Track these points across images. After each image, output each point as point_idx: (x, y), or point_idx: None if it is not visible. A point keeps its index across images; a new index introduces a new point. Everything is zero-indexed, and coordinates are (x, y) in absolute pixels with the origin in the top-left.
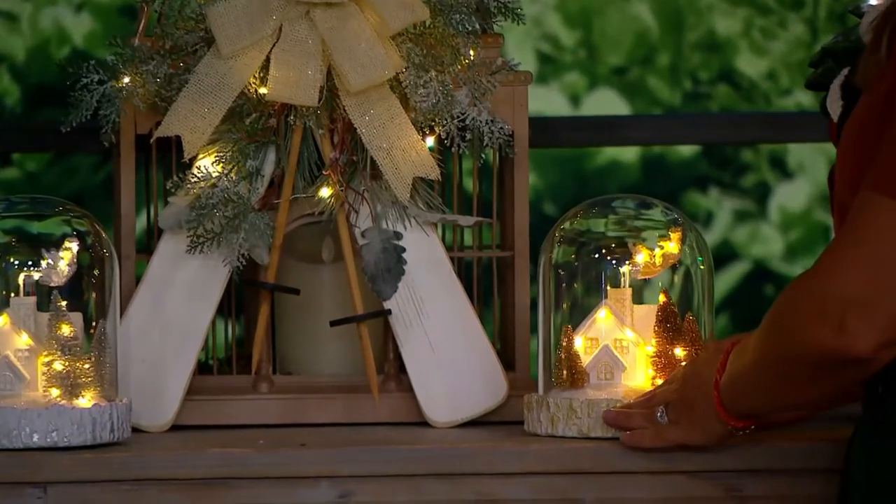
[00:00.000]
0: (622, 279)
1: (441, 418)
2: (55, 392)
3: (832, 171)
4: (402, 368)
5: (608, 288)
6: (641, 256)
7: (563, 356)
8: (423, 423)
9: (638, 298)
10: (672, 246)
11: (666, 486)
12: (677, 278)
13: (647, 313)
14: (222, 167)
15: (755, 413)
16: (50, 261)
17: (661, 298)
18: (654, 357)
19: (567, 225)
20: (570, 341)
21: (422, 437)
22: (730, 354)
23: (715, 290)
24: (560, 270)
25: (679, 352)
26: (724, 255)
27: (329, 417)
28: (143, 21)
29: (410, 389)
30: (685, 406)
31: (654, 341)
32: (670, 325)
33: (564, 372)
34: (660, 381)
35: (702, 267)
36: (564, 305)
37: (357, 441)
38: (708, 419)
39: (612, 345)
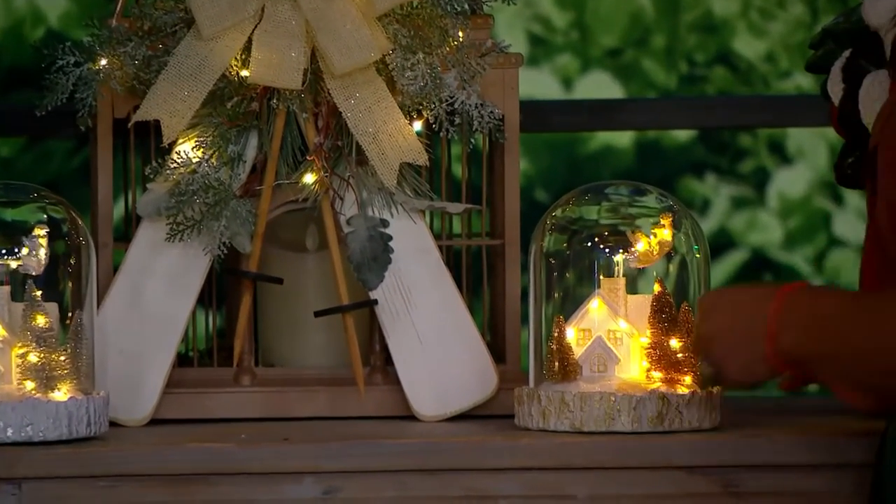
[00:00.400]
0: (616, 268)
1: (429, 412)
2: (30, 385)
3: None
4: (388, 360)
5: (601, 277)
6: (642, 245)
7: (554, 348)
8: (410, 417)
9: (631, 288)
10: (665, 233)
11: (661, 482)
12: (672, 267)
13: (641, 303)
14: (203, 152)
15: (813, 361)
16: (30, 248)
17: (656, 288)
18: (649, 348)
19: (559, 212)
20: (562, 332)
21: (409, 432)
22: (796, 290)
23: (711, 280)
24: (551, 259)
25: (674, 343)
26: (721, 244)
27: (313, 411)
28: (120, 1)
29: (397, 382)
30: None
31: (648, 332)
32: (665, 315)
33: (556, 364)
34: (655, 374)
35: (697, 255)
36: (556, 295)
37: (342, 435)
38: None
39: (606, 336)
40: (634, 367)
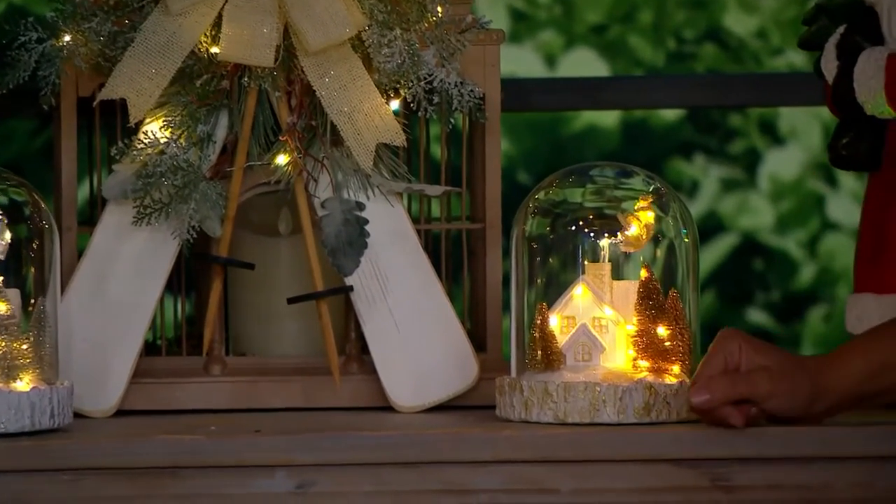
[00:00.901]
0: (601, 253)
1: (406, 403)
2: None
3: None
4: (364, 349)
5: (586, 262)
6: (635, 229)
7: (537, 336)
8: (388, 408)
9: (616, 274)
10: (650, 215)
11: (648, 476)
12: (660, 252)
13: (627, 289)
14: (171, 132)
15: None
16: None
17: (643, 273)
18: (636, 336)
19: (541, 195)
20: (546, 320)
21: (386, 423)
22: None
23: (700, 265)
24: (534, 244)
25: (662, 331)
26: (710, 228)
27: (286, 402)
28: None
29: (374, 372)
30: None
31: (635, 319)
32: (653, 302)
33: (539, 353)
34: (642, 363)
35: (686, 240)
36: (539, 281)
37: (316, 427)
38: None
39: (591, 323)
40: (620, 356)
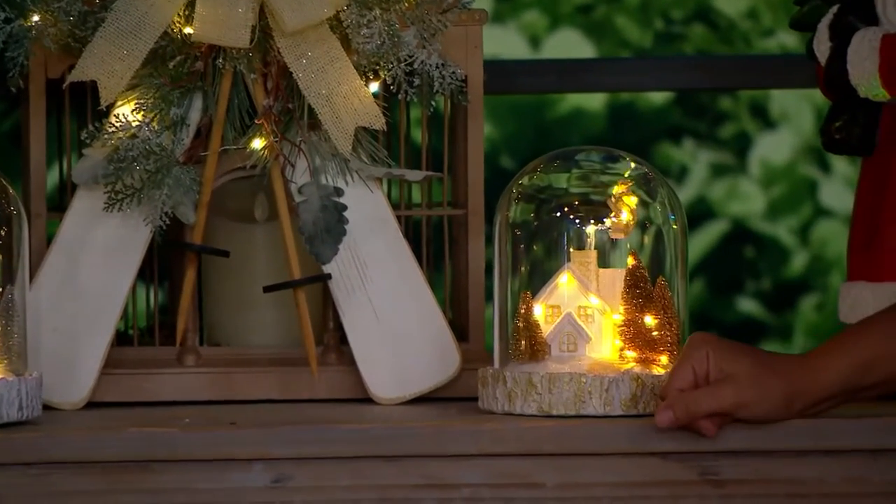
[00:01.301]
0: (587, 240)
1: (386, 394)
2: None
3: None
4: (343, 339)
5: (571, 250)
6: (626, 215)
7: (521, 326)
8: (367, 400)
9: (602, 262)
10: (633, 200)
11: (635, 470)
12: (647, 239)
13: (613, 278)
14: (143, 115)
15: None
16: None
17: (630, 261)
18: (623, 326)
19: (525, 180)
20: (530, 309)
21: (365, 416)
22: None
23: (689, 252)
24: (517, 231)
25: (650, 320)
26: (699, 214)
27: (262, 393)
28: None
29: (352, 362)
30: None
31: (622, 308)
32: (640, 290)
33: (523, 343)
34: (629, 354)
35: (674, 226)
36: (522, 269)
37: (293, 420)
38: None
39: (576, 313)
40: (606, 347)
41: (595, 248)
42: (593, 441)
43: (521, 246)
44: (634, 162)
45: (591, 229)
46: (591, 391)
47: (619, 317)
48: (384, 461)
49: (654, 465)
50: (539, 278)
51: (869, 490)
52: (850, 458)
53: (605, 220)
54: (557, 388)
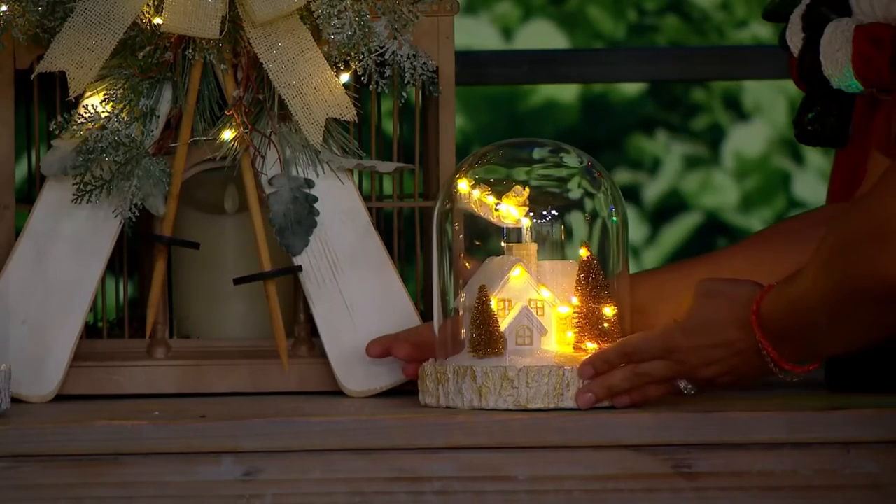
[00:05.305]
0: (524, 232)
1: (357, 387)
2: None
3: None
4: (313, 332)
5: (509, 244)
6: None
7: (478, 319)
8: (338, 393)
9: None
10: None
11: (607, 463)
12: (594, 232)
13: (554, 270)
14: (112, 106)
15: (815, 357)
16: None
17: (584, 253)
18: (578, 318)
19: (466, 172)
20: (486, 303)
21: (336, 409)
22: (763, 298)
23: (664, 245)
24: (456, 223)
25: (608, 311)
26: (672, 206)
27: (232, 386)
28: None
29: (323, 355)
30: (707, 363)
31: (578, 300)
32: (594, 280)
33: (480, 337)
34: (590, 346)
35: (615, 218)
36: (462, 262)
37: (264, 413)
38: (749, 368)
39: (528, 306)
40: (556, 340)
41: (535, 241)
42: (565, 434)
43: (461, 237)
44: (579, 156)
45: (527, 223)
46: (570, 383)
47: (567, 309)
48: (355, 454)
49: (627, 458)
50: (482, 272)
51: (841, 483)
52: (822, 450)
53: (544, 213)
54: (536, 381)
